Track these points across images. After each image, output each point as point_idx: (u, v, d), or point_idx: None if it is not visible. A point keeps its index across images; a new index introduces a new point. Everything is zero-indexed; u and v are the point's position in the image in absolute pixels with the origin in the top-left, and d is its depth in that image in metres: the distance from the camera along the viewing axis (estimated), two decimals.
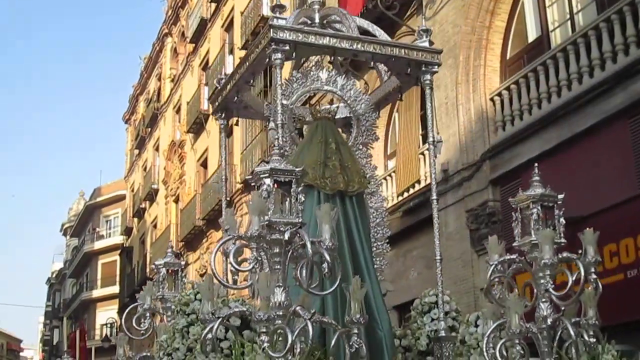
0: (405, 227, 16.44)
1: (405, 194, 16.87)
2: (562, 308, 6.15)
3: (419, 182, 16.52)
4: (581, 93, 12.19)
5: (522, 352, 5.92)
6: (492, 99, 14.41)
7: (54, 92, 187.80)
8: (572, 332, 6.00)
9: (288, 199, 5.48)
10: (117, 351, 8.41)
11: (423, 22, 15.82)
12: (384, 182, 17.96)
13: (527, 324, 5.96)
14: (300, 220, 5.41)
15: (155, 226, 40.48)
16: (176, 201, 36.57)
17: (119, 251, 49.73)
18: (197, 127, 32.35)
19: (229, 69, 27.95)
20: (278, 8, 7.28)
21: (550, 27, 13.85)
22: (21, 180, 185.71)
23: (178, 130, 37.11)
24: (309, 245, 5.27)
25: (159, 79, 41.99)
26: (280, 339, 5.17)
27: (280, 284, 5.27)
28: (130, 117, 49.92)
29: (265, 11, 25.05)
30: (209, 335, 5.59)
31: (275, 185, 5.45)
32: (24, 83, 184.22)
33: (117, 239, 53.42)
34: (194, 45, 34.89)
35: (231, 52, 29.40)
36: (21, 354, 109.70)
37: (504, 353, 5.94)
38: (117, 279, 49.59)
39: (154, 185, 40.69)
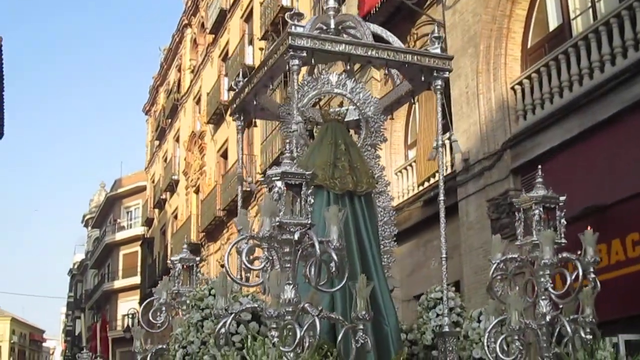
0: (426, 217, 16.41)
1: (426, 184, 16.85)
2: (561, 306, 6.43)
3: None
4: (603, 81, 12.11)
5: (520, 347, 6.15)
6: (513, 88, 14.35)
7: (73, 84, 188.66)
8: (568, 329, 6.27)
9: (298, 201, 5.74)
10: (134, 344, 8.66)
11: (443, 11, 15.85)
12: (405, 171, 17.95)
13: (528, 320, 6.22)
14: (309, 221, 5.66)
15: (176, 217, 40.62)
16: (197, 192, 36.67)
17: (140, 242, 49.94)
18: (217, 118, 32.39)
19: (249, 60, 28.06)
20: (296, 16, 7.58)
21: (572, 15, 13.76)
22: (43, 173, 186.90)
23: (198, 121, 37.19)
24: (317, 245, 5.55)
25: (179, 70, 42.06)
26: (290, 333, 5.43)
27: (290, 282, 5.54)
28: (150, 109, 50.04)
29: (285, 1, 25.03)
30: (222, 330, 5.87)
31: (286, 188, 5.71)
32: (42, 73, 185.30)
33: (138, 230, 53.61)
34: (213, 36, 34.92)
35: (251, 42, 29.40)
36: (44, 344, 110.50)
37: (505, 348, 6.20)
38: (139, 269, 49.80)
39: (174, 176, 40.80)
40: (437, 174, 16.28)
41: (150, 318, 8.63)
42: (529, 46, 14.63)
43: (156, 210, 46.30)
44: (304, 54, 7.48)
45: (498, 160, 14.18)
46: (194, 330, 7.52)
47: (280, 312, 5.40)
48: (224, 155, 32.13)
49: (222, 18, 33.14)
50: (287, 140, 7.44)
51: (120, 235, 57.29)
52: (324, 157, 7.59)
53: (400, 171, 18.14)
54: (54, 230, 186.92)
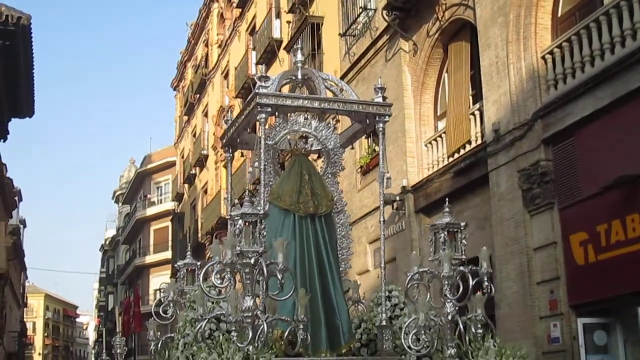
0: (456, 188, 16.37)
1: (456, 155, 16.77)
2: (456, 307, 8.04)
3: (469, 142, 16.40)
4: (635, 50, 11.96)
5: (426, 340, 8.00)
6: (543, 57, 14.20)
7: (101, 62, 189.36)
8: (461, 326, 8.04)
9: (256, 233, 7.72)
10: (148, 333, 10.56)
11: None
12: (434, 142, 17.87)
13: (435, 318, 8.01)
14: (262, 249, 7.63)
15: (205, 192, 40.79)
16: (225, 166, 36.72)
17: (170, 217, 50.20)
18: (245, 92, 32.35)
19: (276, 33, 28.03)
20: (263, 79, 9.24)
21: None
22: (73, 150, 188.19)
23: (226, 96, 37.21)
24: (265, 268, 7.60)
25: (206, 45, 42.07)
26: (246, 333, 7.41)
27: (249, 294, 7.56)
28: (178, 84, 50.14)
29: None
30: (200, 331, 8.07)
31: (246, 224, 7.69)
32: (70, 51, 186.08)
33: (169, 205, 53.91)
34: (240, 10, 34.85)
35: (278, 15, 29.32)
36: (77, 319, 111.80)
37: (420, 340, 8.05)
38: (170, 244, 50.11)
39: (203, 151, 40.93)
40: (467, 145, 16.34)
41: (160, 312, 10.40)
42: (559, 15, 14.45)
43: (186, 185, 46.50)
44: (270, 109, 9.22)
45: (529, 130, 14.06)
46: (190, 326, 9.24)
47: (238, 318, 7.36)
48: (253, 129, 32.06)
49: None
50: (251, 179, 10.11)
51: (150, 211, 57.70)
52: (291, 186, 9.32)
53: (430, 142, 18.07)
54: (85, 207, 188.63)
